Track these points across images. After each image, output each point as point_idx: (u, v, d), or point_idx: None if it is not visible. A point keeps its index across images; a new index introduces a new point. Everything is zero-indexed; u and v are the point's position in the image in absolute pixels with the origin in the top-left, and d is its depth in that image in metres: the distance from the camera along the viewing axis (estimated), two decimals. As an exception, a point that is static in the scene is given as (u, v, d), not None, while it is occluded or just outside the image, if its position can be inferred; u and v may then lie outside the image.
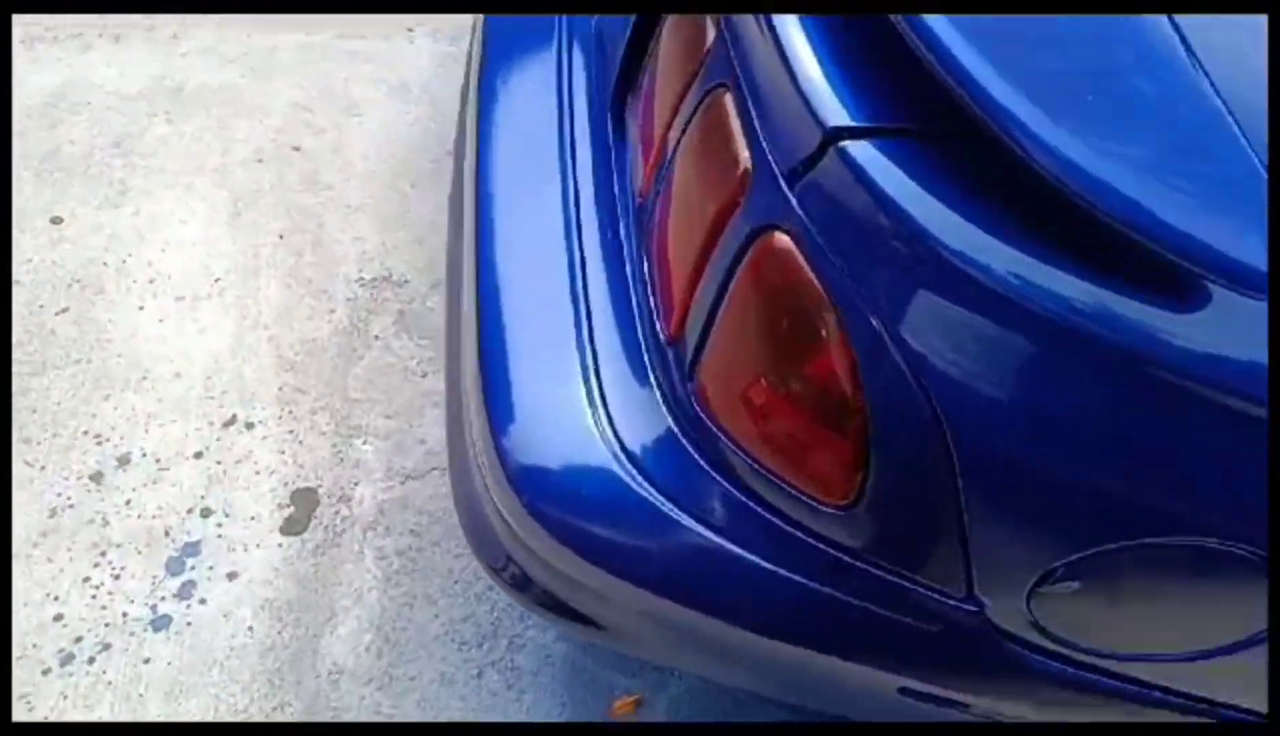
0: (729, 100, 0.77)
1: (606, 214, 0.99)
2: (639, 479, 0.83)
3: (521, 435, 0.88)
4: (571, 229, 0.98)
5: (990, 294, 0.64)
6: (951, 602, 0.75)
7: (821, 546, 0.77)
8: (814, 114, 0.66)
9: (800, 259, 0.69)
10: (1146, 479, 0.67)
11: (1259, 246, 0.60)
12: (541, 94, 1.13)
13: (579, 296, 0.93)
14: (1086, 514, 0.68)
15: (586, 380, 0.88)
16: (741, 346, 0.76)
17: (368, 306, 1.90)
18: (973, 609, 0.74)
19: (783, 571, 0.79)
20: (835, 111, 0.66)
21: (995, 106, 0.60)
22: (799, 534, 0.78)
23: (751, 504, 0.80)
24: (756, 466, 0.78)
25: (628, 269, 0.94)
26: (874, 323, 0.67)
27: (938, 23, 0.62)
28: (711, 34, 0.81)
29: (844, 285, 0.67)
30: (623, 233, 0.97)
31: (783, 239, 0.69)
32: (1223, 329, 0.62)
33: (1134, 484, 0.67)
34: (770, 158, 0.70)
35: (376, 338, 1.86)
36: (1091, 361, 0.63)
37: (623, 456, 0.84)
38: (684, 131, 0.82)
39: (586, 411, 0.87)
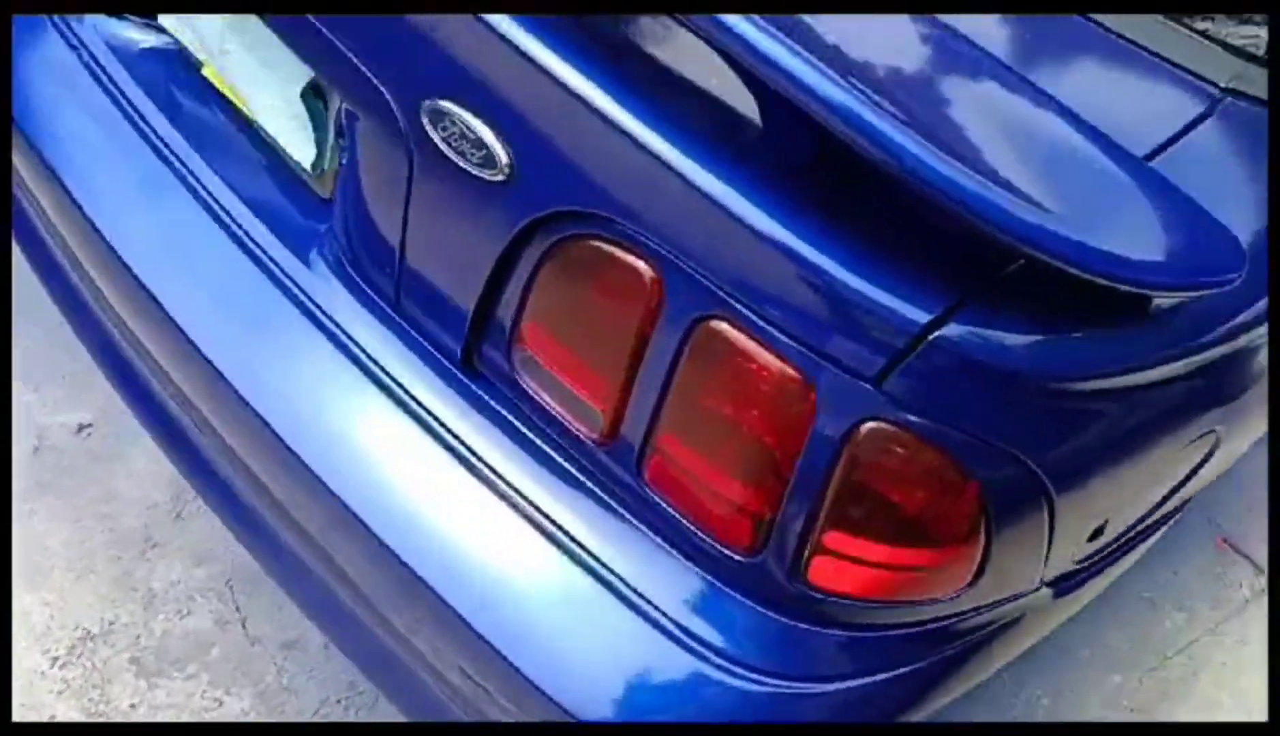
0: (729, 328, 0.73)
1: None
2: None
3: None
4: None
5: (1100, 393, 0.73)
6: None
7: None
8: (896, 315, 0.67)
9: (912, 439, 0.71)
10: None
11: None
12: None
13: None
14: None
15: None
16: (873, 523, 0.79)
17: None
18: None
19: None
20: (912, 305, 0.67)
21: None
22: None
23: None
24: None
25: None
26: (997, 458, 0.73)
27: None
28: (646, 268, 0.75)
29: (963, 442, 0.71)
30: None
31: (885, 429, 0.71)
32: None
33: None
34: (837, 365, 0.70)
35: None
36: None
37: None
38: (672, 370, 0.76)
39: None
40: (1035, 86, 0.76)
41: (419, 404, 0.92)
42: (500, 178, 0.77)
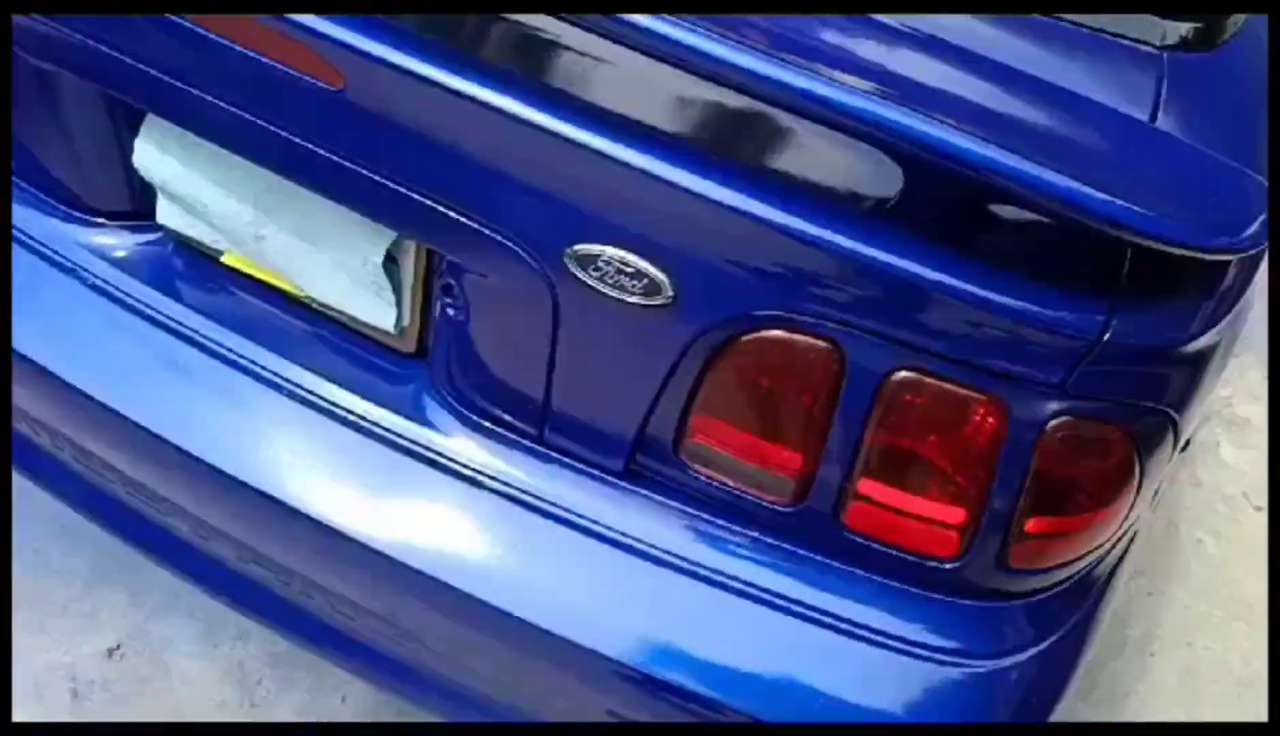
0: (917, 375, 0.82)
1: None
2: None
3: None
4: None
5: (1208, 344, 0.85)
6: None
7: None
8: (1073, 328, 0.77)
9: (1092, 422, 0.83)
10: None
11: None
12: None
13: None
14: None
15: None
16: (1065, 502, 0.90)
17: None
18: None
19: None
20: (1084, 315, 0.77)
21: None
22: None
23: None
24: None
25: None
26: (1149, 416, 0.86)
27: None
28: (823, 345, 0.82)
29: (1126, 411, 0.84)
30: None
31: (1071, 421, 0.82)
32: None
33: None
34: (1026, 381, 0.81)
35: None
36: None
37: None
38: (864, 424, 0.85)
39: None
40: (1052, 86, 0.85)
41: (589, 520, 0.95)
42: (664, 301, 0.83)
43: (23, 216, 1.12)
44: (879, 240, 0.78)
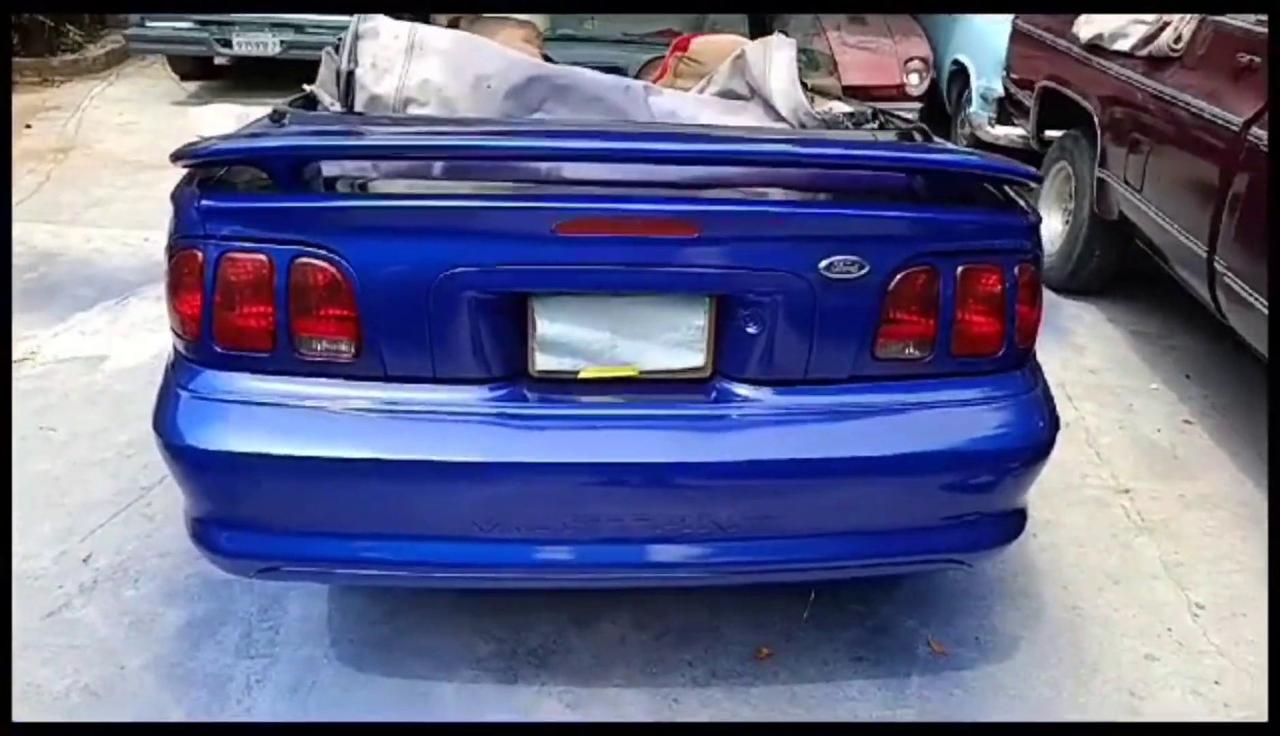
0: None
1: None
2: None
3: None
4: None
5: None
6: None
7: None
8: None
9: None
10: None
11: None
12: None
13: None
14: None
15: None
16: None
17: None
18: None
19: None
20: None
21: None
22: None
23: None
24: None
25: None
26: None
27: None
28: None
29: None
30: None
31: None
32: None
33: None
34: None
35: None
36: None
37: None
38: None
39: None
40: None
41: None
42: (864, 273, 1.73)
43: (440, 398, 1.73)
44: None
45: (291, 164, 1.65)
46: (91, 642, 2.20)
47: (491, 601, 2.33)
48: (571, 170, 1.76)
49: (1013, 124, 5.34)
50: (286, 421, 1.69)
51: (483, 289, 1.67)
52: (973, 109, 5.89)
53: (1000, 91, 5.33)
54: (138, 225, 4.69)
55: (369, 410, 1.70)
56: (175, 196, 1.76)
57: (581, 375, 1.77)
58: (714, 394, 1.79)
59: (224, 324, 1.70)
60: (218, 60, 7.89)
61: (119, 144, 6.12)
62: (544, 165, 1.78)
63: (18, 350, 3.48)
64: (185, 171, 1.78)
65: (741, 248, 1.69)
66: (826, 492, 1.78)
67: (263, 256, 1.66)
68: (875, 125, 2.33)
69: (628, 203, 1.67)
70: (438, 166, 1.78)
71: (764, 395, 1.78)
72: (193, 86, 7.71)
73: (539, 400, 1.75)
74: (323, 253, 1.65)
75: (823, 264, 1.67)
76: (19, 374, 3.33)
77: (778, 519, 1.78)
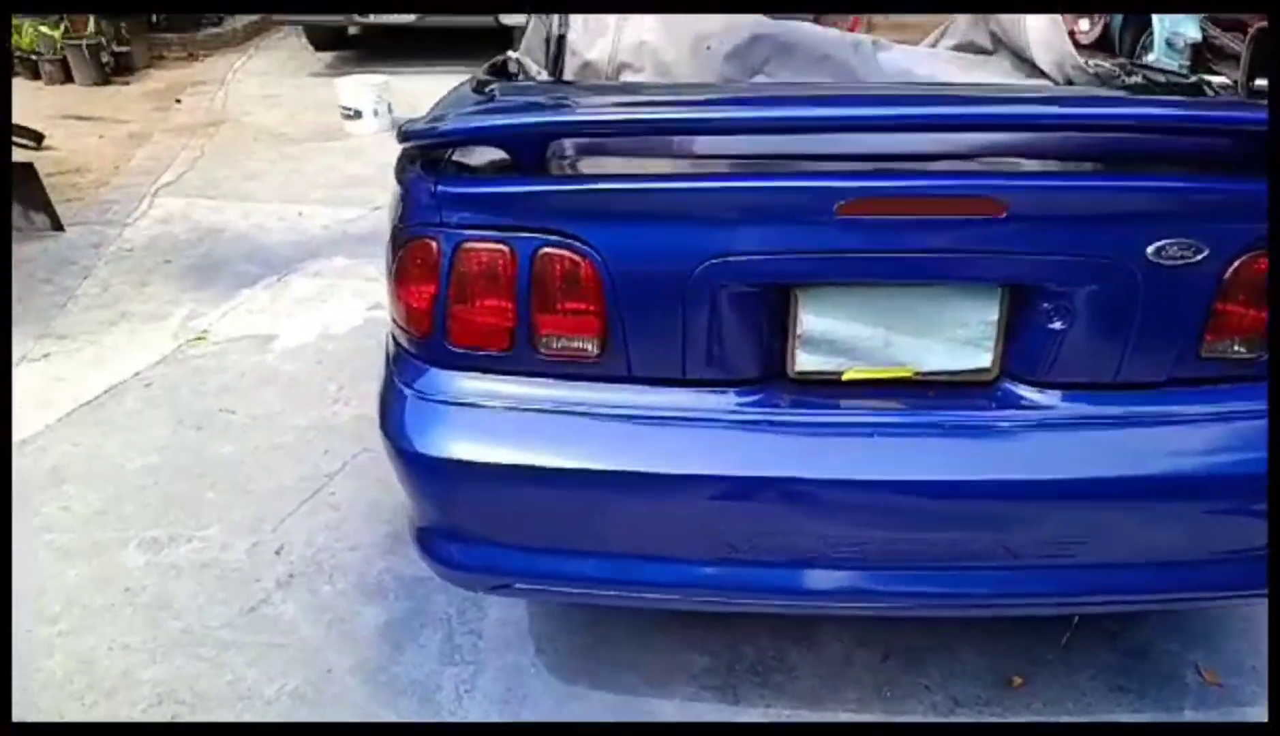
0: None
1: None
2: None
3: None
4: None
5: None
6: None
7: None
8: None
9: None
10: None
11: None
12: None
13: None
14: None
15: None
16: None
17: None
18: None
19: None
20: None
21: None
22: None
23: None
24: None
25: None
26: None
27: None
28: None
29: None
30: None
31: None
32: None
33: None
34: None
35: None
36: None
37: None
38: None
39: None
40: None
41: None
42: (1201, 257, 1.41)
43: (689, 402, 1.55)
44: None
45: (538, 143, 1.48)
46: (294, 642, 2.13)
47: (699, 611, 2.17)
48: (834, 144, 1.54)
49: (1212, 71, 4.85)
50: (527, 427, 1.54)
51: (748, 280, 1.48)
52: (1154, 55, 5.38)
53: (1195, 35, 4.84)
54: (291, 199, 4.67)
55: (616, 416, 1.53)
56: (402, 179, 1.62)
57: (846, 377, 1.56)
58: (998, 399, 1.56)
59: (459, 320, 1.55)
60: (351, 30, 7.90)
61: (266, 117, 6.16)
62: (794, 140, 1.55)
63: (192, 329, 3.48)
64: (404, 149, 1.64)
65: (1054, 230, 1.44)
66: (1135, 515, 1.53)
67: (504, 247, 1.50)
68: (1138, 80, 2.03)
69: (925, 179, 1.44)
70: (675, 142, 1.58)
71: (1054, 401, 1.54)
72: (328, 57, 7.74)
73: (796, 405, 1.55)
74: (571, 242, 1.48)
75: (1152, 248, 1.41)
76: (193, 353, 3.32)
77: (1077, 544, 1.54)
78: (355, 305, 3.64)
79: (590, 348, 1.53)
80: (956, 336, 1.53)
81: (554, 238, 1.48)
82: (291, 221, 4.43)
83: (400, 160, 1.68)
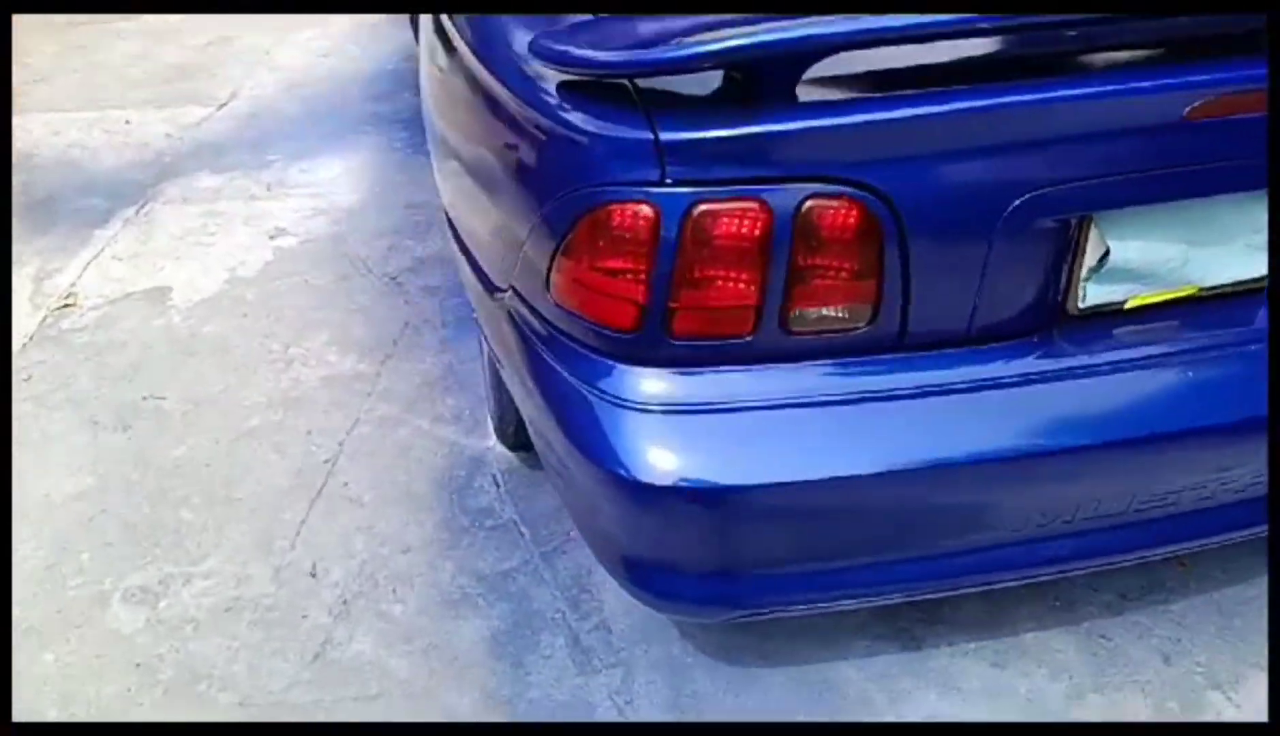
0: None
1: None
2: None
3: None
4: None
5: None
6: None
7: None
8: None
9: None
10: None
11: None
12: None
13: None
14: None
15: None
16: None
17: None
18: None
19: None
20: None
21: None
22: None
23: None
24: None
25: None
26: None
27: None
28: None
29: None
30: None
31: None
32: None
33: None
34: None
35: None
36: None
37: None
38: None
39: None
40: None
41: None
42: None
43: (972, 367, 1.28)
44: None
45: (796, 64, 1.09)
46: (392, 687, 1.75)
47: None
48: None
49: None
50: (785, 431, 1.22)
51: (1058, 212, 1.19)
52: None
53: None
54: (107, 103, 3.75)
55: (893, 397, 1.24)
56: (563, 117, 1.18)
57: (1130, 304, 1.34)
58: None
59: (688, 304, 1.18)
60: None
61: (12, -5, 4.91)
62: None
63: (51, 291, 2.74)
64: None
65: None
66: None
67: (755, 203, 1.12)
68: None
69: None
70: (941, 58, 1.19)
71: None
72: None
73: (1076, 347, 1.32)
74: (846, 189, 1.13)
75: None
76: (68, 325, 2.62)
77: None
78: (253, 235, 2.99)
79: (859, 316, 1.21)
80: (1252, 242, 1.33)
81: (830, 186, 1.12)
82: (120, 133, 3.56)
83: (537, 88, 1.23)
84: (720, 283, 1.17)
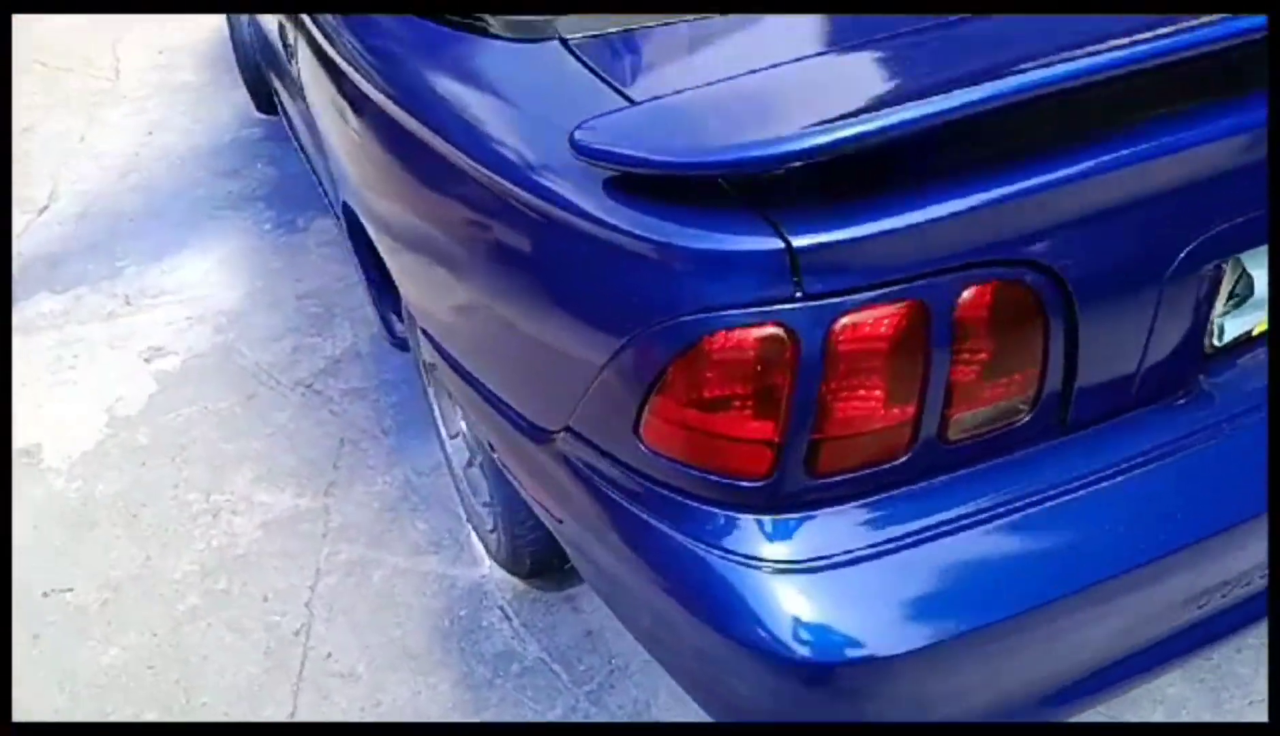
0: None
1: None
2: None
3: None
4: None
5: None
6: None
7: None
8: None
9: None
10: None
11: None
12: None
13: None
14: None
15: None
16: None
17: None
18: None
19: None
20: None
21: None
22: None
23: None
24: None
25: None
26: None
27: None
28: None
29: None
30: None
31: None
32: None
33: None
34: None
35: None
36: None
37: None
38: None
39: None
40: None
41: None
42: None
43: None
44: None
45: (946, 137, 0.88)
46: None
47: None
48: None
49: None
50: (962, 562, 1.01)
51: (1229, 248, 1.04)
52: None
53: None
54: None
55: (1065, 492, 1.05)
56: (647, 233, 0.93)
57: (1257, 331, 1.21)
58: None
59: (836, 433, 0.96)
60: None
61: None
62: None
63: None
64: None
65: None
66: None
67: (905, 304, 0.91)
68: None
69: None
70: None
71: None
72: None
73: (1222, 390, 1.17)
74: (1010, 270, 0.93)
75: None
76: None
77: None
78: (123, 361, 2.55)
79: (1021, 406, 1.03)
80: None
81: (990, 270, 0.93)
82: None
83: (580, 188, 0.98)
84: (873, 403, 0.96)
